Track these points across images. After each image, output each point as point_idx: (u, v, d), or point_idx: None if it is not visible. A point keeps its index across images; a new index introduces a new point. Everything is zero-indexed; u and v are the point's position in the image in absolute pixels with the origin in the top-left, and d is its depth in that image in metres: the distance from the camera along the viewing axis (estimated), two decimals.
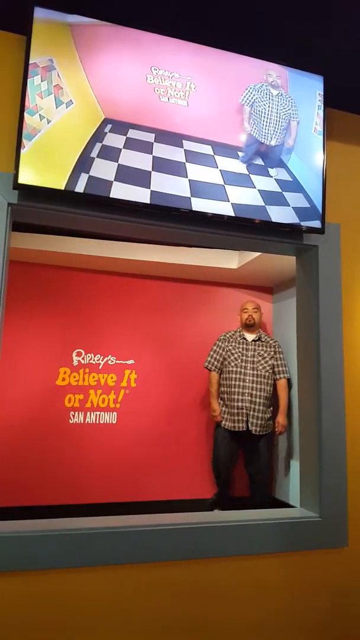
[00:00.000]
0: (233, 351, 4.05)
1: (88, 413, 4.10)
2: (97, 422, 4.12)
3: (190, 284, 4.51)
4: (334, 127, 2.16)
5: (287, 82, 1.97)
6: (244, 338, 4.08)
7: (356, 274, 2.12)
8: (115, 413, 4.16)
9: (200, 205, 1.79)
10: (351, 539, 1.92)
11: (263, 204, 1.89)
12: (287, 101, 1.96)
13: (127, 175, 1.71)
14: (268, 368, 3.99)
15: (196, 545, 1.71)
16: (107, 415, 4.14)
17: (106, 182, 1.68)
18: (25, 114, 1.61)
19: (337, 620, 1.88)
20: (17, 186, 1.59)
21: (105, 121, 1.71)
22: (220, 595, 1.74)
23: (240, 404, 3.90)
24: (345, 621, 1.89)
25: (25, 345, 4.04)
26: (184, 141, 1.80)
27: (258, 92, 1.91)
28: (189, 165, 1.80)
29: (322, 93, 2.03)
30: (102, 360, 4.19)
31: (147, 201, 1.72)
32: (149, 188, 1.73)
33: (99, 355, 4.19)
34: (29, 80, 1.63)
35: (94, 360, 4.18)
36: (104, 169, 1.68)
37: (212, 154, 1.84)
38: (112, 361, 4.21)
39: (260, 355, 4.01)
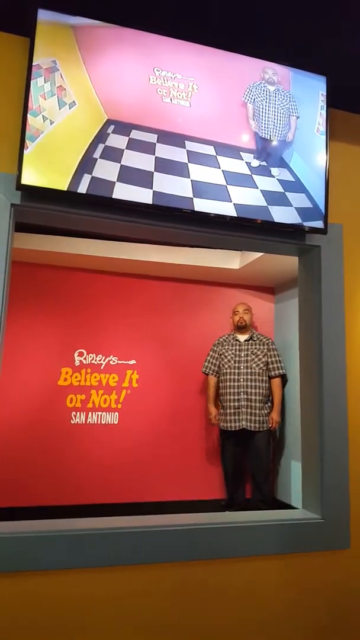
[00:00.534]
0: (226, 354, 4.13)
1: (90, 413, 4.11)
2: (99, 422, 4.12)
3: (192, 284, 4.51)
4: (337, 128, 2.15)
5: (290, 82, 1.98)
6: (237, 339, 4.16)
7: (358, 274, 2.12)
8: (117, 413, 4.17)
9: (202, 205, 1.79)
10: (353, 541, 1.92)
11: (265, 204, 1.89)
12: (285, 97, 1.96)
13: (129, 175, 1.71)
14: (262, 365, 4.04)
15: (197, 547, 1.71)
16: (109, 415, 4.15)
17: (109, 182, 1.68)
18: (29, 115, 1.62)
19: (338, 622, 1.87)
20: (20, 187, 1.59)
21: (108, 122, 1.71)
22: (221, 596, 1.74)
23: (236, 403, 3.97)
24: (347, 623, 1.89)
25: (26, 346, 4.04)
26: (186, 142, 1.80)
27: (257, 89, 1.91)
28: (191, 166, 1.80)
29: (324, 93, 2.02)
30: (103, 361, 4.20)
31: (150, 202, 1.73)
32: (152, 188, 1.73)
33: (100, 356, 4.20)
34: (32, 81, 1.63)
35: (95, 360, 4.18)
36: (106, 170, 1.68)
37: (215, 154, 1.84)
38: (114, 361, 4.22)
39: (253, 354, 4.07)
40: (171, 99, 1.79)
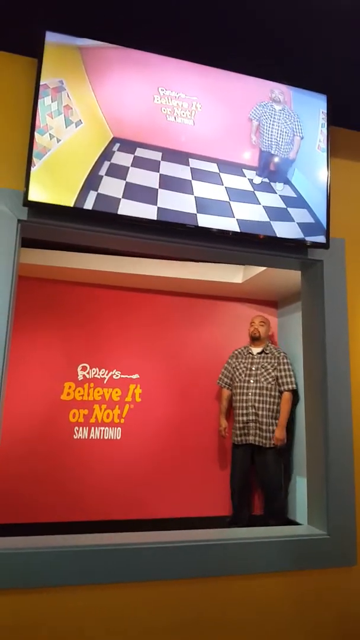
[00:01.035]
0: (239, 366, 4.12)
1: (92, 428, 4.10)
2: (102, 437, 4.11)
3: (195, 298, 4.53)
4: (338, 145, 2.19)
5: (292, 101, 2.02)
6: (250, 352, 4.14)
7: None
8: (119, 428, 4.16)
9: (206, 221, 1.82)
10: None
11: (268, 220, 1.92)
12: (290, 117, 2.00)
13: (134, 192, 1.74)
14: (270, 380, 3.99)
15: (200, 564, 1.69)
16: (112, 430, 4.14)
17: (114, 199, 1.71)
18: (36, 133, 1.65)
19: None
20: (27, 203, 1.62)
21: (114, 140, 1.75)
22: (225, 614, 1.72)
23: (245, 417, 3.95)
24: None
25: (30, 360, 4.05)
26: (190, 159, 1.84)
27: (264, 108, 1.95)
28: (195, 183, 1.83)
29: (325, 111, 2.06)
30: (106, 375, 4.20)
31: (154, 217, 1.75)
32: (156, 205, 1.76)
33: (103, 370, 4.21)
34: (39, 100, 1.67)
35: (98, 374, 4.19)
36: (112, 187, 1.71)
37: (218, 171, 1.87)
38: (117, 375, 4.22)
39: (263, 368, 4.03)
40: (175, 118, 1.83)
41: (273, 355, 4.09)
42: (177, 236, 1.83)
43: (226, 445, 4.35)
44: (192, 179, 1.83)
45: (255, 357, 4.10)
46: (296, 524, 3.95)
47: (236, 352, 4.25)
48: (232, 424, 4.13)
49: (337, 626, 1.85)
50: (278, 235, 1.92)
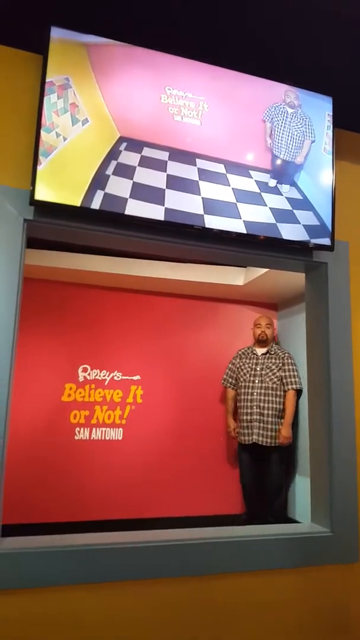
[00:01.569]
0: (244, 367, 4.13)
1: (94, 429, 4.08)
2: (103, 438, 4.10)
3: (196, 300, 4.52)
4: (343, 147, 2.18)
5: (299, 102, 2.01)
6: (255, 353, 4.15)
7: None
8: (121, 429, 4.14)
9: (213, 222, 1.81)
10: None
11: (274, 222, 1.91)
12: (302, 120, 1.99)
13: (141, 192, 1.73)
14: (275, 380, 4.01)
15: (204, 562, 1.69)
16: (113, 431, 4.12)
17: (121, 199, 1.70)
18: (42, 131, 1.64)
19: (348, 636, 1.85)
20: (34, 202, 1.61)
21: (121, 139, 1.73)
22: (228, 611, 1.71)
23: (249, 417, 3.97)
24: (357, 637, 1.86)
25: (30, 361, 4.03)
26: (197, 160, 1.82)
27: (276, 110, 1.94)
28: (202, 183, 1.82)
29: (331, 113, 2.05)
30: (108, 376, 4.19)
31: (162, 218, 1.74)
32: (163, 205, 1.75)
33: (104, 371, 4.19)
34: (45, 98, 1.66)
35: (99, 376, 4.17)
36: (119, 187, 1.70)
37: (225, 172, 1.86)
38: (118, 377, 4.21)
39: (268, 368, 4.05)
40: (182, 117, 1.82)
41: (277, 356, 4.10)
42: (185, 237, 1.82)
43: (229, 445, 4.34)
44: (199, 179, 1.81)
45: (260, 357, 4.11)
46: (296, 522, 3.94)
47: (240, 352, 4.26)
48: (237, 424, 4.14)
49: (340, 620, 1.85)
50: (284, 237, 1.91)
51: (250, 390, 4.02)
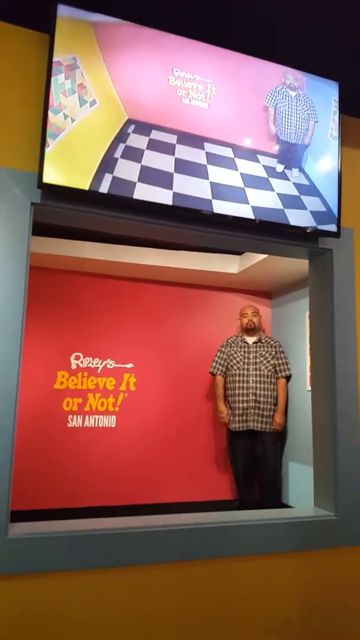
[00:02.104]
0: (235, 355, 4.15)
1: (87, 417, 4.07)
2: (96, 425, 4.08)
3: (190, 288, 4.51)
4: (349, 134, 2.17)
5: (305, 87, 1.98)
6: (245, 342, 4.18)
7: None
8: (114, 416, 4.14)
9: (221, 207, 1.78)
10: None
11: (282, 207, 1.89)
12: (305, 102, 1.97)
13: (150, 176, 1.69)
14: (270, 367, 4.09)
15: (210, 546, 1.70)
16: (106, 418, 4.11)
17: (130, 183, 1.66)
18: (50, 113, 1.59)
19: (354, 619, 1.87)
20: (41, 185, 1.56)
21: (129, 122, 1.69)
22: (234, 594, 1.72)
23: (245, 404, 4.00)
24: None
25: (23, 349, 3.97)
26: (205, 143, 1.79)
27: (279, 94, 1.92)
28: (210, 168, 1.79)
29: (337, 99, 2.04)
30: (100, 364, 4.16)
31: (170, 202, 1.71)
32: (172, 189, 1.72)
33: (97, 359, 4.16)
34: (52, 78, 1.60)
35: (92, 363, 4.14)
36: (127, 170, 1.66)
37: (233, 156, 1.83)
38: (111, 365, 4.19)
39: (262, 356, 4.11)
40: (190, 100, 1.78)
41: (269, 345, 4.19)
42: (192, 222, 1.80)
43: (221, 431, 4.37)
44: (208, 163, 1.79)
45: (252, 346, 4.16)
46: (289, 507, 3.99)
47: (229, 340, 4.27)
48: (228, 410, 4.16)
49: (345, 603, 1.87)
50: (291, 223, 1.90)
51: (245, 378, 4.05)
